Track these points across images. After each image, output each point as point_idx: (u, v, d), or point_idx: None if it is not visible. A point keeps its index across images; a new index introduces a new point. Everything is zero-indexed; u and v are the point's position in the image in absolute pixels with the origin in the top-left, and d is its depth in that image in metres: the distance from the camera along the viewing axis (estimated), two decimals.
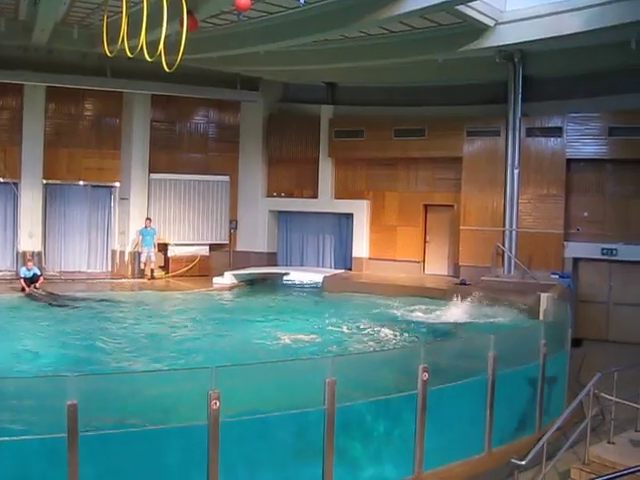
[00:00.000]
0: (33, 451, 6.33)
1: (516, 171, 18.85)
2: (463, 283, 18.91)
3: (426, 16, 15.36)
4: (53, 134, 21.16)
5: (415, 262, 21.51)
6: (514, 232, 18.97)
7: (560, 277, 17.74)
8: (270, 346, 13.08)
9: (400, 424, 8.19)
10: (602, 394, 9.21)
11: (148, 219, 21.70)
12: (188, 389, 7.38)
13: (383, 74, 20.27)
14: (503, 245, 19.06)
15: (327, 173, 22.68)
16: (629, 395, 9.24)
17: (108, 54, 12.60)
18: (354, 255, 22.21)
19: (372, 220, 22.12)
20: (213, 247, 23.22)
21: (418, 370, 8.15)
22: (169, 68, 11.53)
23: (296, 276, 21.42)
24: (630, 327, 17.26)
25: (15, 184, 20.70)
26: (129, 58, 12.22)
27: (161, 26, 10.52)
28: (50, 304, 16.99)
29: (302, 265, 22.99)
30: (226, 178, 23.30)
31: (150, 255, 21.38)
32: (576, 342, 13.40)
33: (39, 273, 18.78)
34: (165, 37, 10.79)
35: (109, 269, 22.16)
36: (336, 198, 22.68)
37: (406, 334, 14.10)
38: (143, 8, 10.92)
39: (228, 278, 20.85)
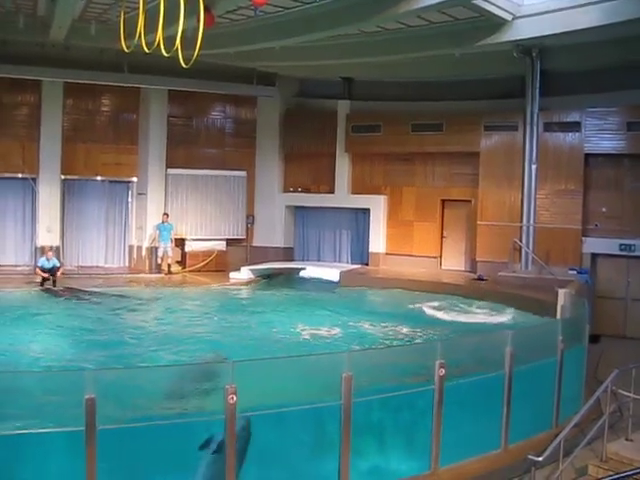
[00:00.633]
0: (52, 444, 6.37)
1: (534, 166, 18.71)
2: (480, 278, 18.91)
3: (444, 10, 15.32)
4: (71, 130, 21.27)
5: (432, 257, 21.46)
6: (531, 227, 18.86)
7: (578, 273, 17.64)
8: (288, 340, 13.14)
9: (416, 420, 8.18)
10: (620, 391, 9.19)
11: (165, 214, 21.76)
12: (210, 384, 7.46)
13: (400, 69, 20.20)
14: (520, 240, 18.95)
15: (344, 168, 22.66)
16: None
17: (125, 50, 12.70)
18: (371, 250, 22.20)
19: (389, 215, 22.08)
20: (230, 242, 23.25)
21: (435, 366, 8.14)
22: (186, 63, 11.57)
23: (313, 271, 21.35)
24: None
25: (33, 179, 20.88)
26: (146, 54, 12.32)
27: (178, 22, 10.57)
28: (68, 299, 17.08)
29: (319, 260, 22.99)
30: (243, 173, 23.33)
31: (167, 250, 21.45)
32: (593, 338, 13.30)
33: (58, 264, 18.77)
34: (182, 32, 10.83)
35: (126, 264, 22.31)
36: (353, 193, 22.65)
37: (424, 329, 14.09)
38: (160, 4, 10.95)
39: (245, 273, 20.89)
